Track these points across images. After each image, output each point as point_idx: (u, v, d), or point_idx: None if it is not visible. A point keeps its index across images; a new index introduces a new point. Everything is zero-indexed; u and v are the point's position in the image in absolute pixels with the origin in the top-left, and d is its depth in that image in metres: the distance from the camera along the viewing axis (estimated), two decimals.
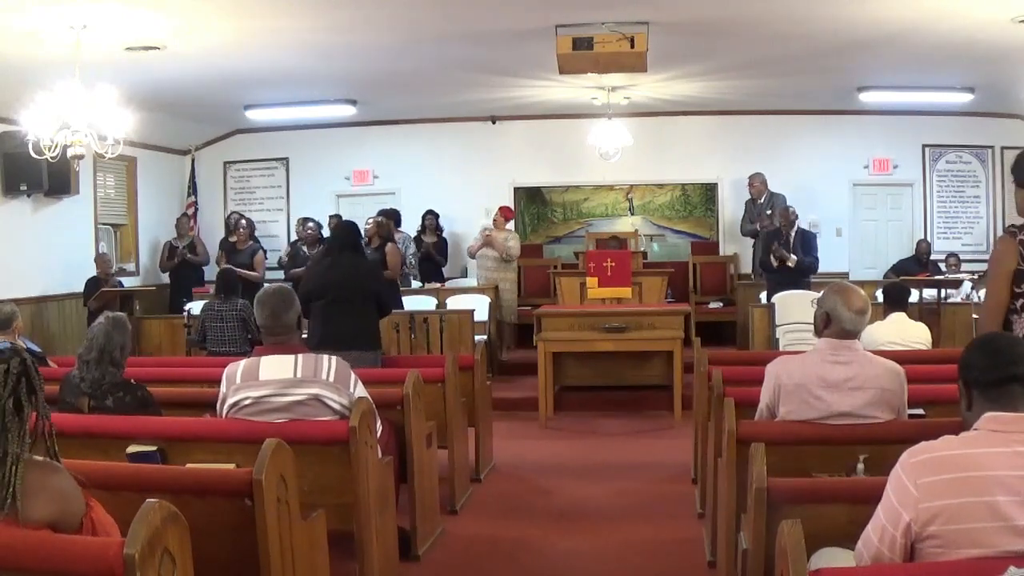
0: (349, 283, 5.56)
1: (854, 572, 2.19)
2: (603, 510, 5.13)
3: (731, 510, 3.38)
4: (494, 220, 9.67)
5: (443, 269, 10.65)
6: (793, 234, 8.70)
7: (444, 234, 10.74)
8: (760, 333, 8.15)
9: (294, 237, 10.49)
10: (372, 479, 3.58)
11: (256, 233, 10.78)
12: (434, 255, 10.40)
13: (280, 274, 9.95)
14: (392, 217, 9.63)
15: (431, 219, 10.53)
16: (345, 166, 11.42)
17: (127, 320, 4.03)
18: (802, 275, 8.49)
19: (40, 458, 2.06)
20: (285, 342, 3.75)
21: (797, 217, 8.88)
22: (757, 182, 10.09)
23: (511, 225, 9.95)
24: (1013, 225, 3.41)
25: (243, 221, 10.11)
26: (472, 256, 9.90)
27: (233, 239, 9.98)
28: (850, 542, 2.27)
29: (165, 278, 10.53)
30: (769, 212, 9.72)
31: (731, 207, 11.10)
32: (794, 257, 8.44)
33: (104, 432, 3.57)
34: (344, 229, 6.03)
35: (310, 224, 9.80)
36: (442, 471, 4.93)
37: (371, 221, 8.60)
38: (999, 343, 2.25)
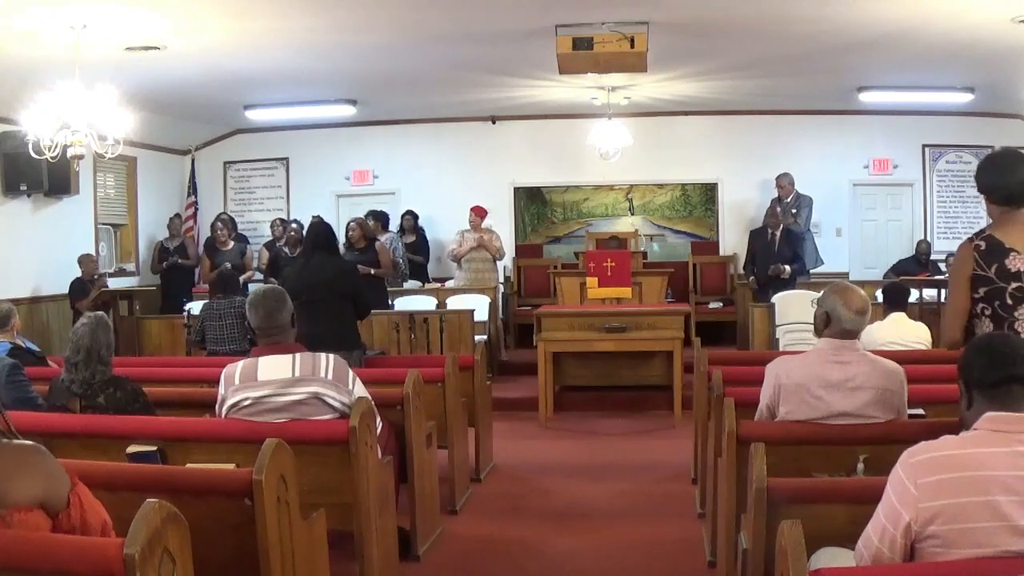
0: (323, 284, 5.53)
1: (854, 572, 2.19)
2: (603, 510, 5.13)
3: (731, 510, 3.38)
4: (471, 222, 9.67)
5: (430, 268, 10.70)
6: (779, 234, 8.80)
7: (433, 234, 10.80)
8: (760, 333, 8.16)
9: (270, 239, 10.46)
10: (372, 479, 3.58)
11: (251, 233, 10.80)
12: (411, 256, 10.40)
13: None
14: (380, 219, 9.64)
15: (409, 219, 10.56)
16: (345, 166, 11.42)
17: (108, 319, 4.08)
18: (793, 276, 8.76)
19: (23, 441, 2.07)
20: (281, 342, 3.75)
21: (784, 216, 9.02)
22: (786, 182, 10.07)
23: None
24: (976, 232, 3.46)
25: (218, 223, 10.10)
26: (456, 260, 9.84)
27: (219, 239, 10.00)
28: (850, 542, 2.27)
29: None
30: (795, 212, 9.78)
31: (731, 207, 11.10)
32: (787, 269, 8.69)
33: (104, 432, 3.57)
34: (316, 230, 5.94)
35: (292, 225, 9.79)
36: (442, 471, 4.93)
37: (355, 223, 8.56)
38: (999, 343, 2.25)
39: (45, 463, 2.04)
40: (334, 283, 5.58)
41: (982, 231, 3.42)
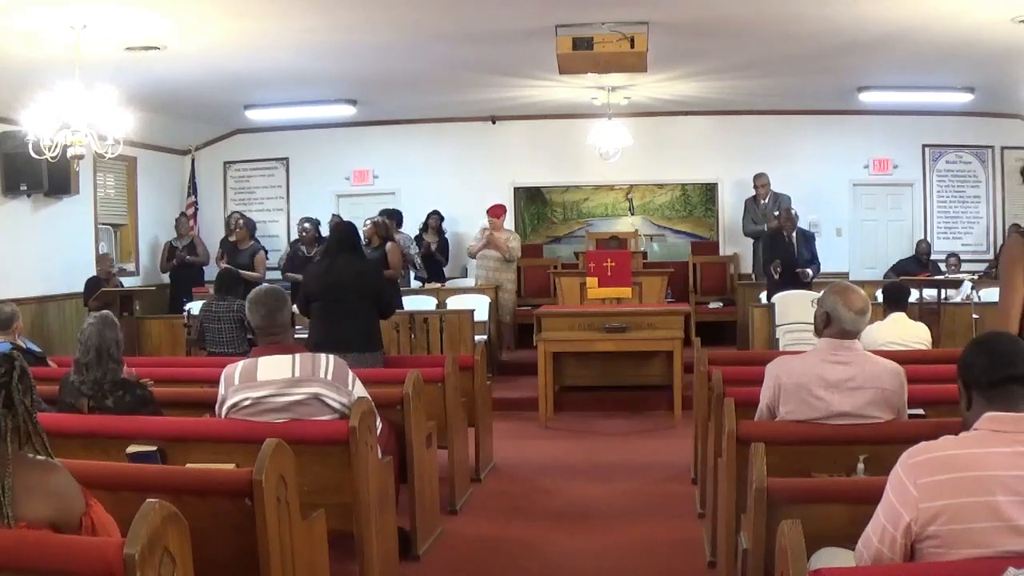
0: (347, 284, 5.55)
1: (854, 572, 2.19)
2: (603, 510, 5.13)
3: (731, 510, 3.38)
4: (490, 222, 9.66)
5: (444, 269, 10.67)
6: (795, 236, 8.76)
7: (445, 234, 10.75)
8: (760, 333, 8.15)
9: (295, 237, 10.48)
10: (372, 479, 3.58)
11: (256, 233, 10.77)
12: (435, 255, 10.43)
13: (278, 274, 9.92)
14: (394, 217, 9.61)
15: (435, 219, 10.55)
16: (345, 166, 11.42)
17: (115, 317, 4.07)
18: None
19: (39, 457, 2.07)
20: (281, 341, 3.76)
21: (798, 218, 8.94)
22: (762, 182, 10.09)
23: (509, 224, 9.91)
24: (1019, 224, 3.44)
25: (241, 220, 10.08)
26: (473, 256, 9.87)
27: (233, 239, 9.96)
28: (850, 542, 2.27)
29: (165, 278, 10.55)
30: (777, 213, 9.72)
31: (731, 207, 11.09)
32: (810, 273, 8.50)
33: (104, 432, 3.57)
34: (341, 230, 5.98)
35: (306, 224, 9.79)
36: (442, 471, 4.93)
37: (369, 222, 8.57)
38: (999, 343, 2.25)
39: (60, 482, 2.05)
40: (359, 283, 5.60)
41: None
